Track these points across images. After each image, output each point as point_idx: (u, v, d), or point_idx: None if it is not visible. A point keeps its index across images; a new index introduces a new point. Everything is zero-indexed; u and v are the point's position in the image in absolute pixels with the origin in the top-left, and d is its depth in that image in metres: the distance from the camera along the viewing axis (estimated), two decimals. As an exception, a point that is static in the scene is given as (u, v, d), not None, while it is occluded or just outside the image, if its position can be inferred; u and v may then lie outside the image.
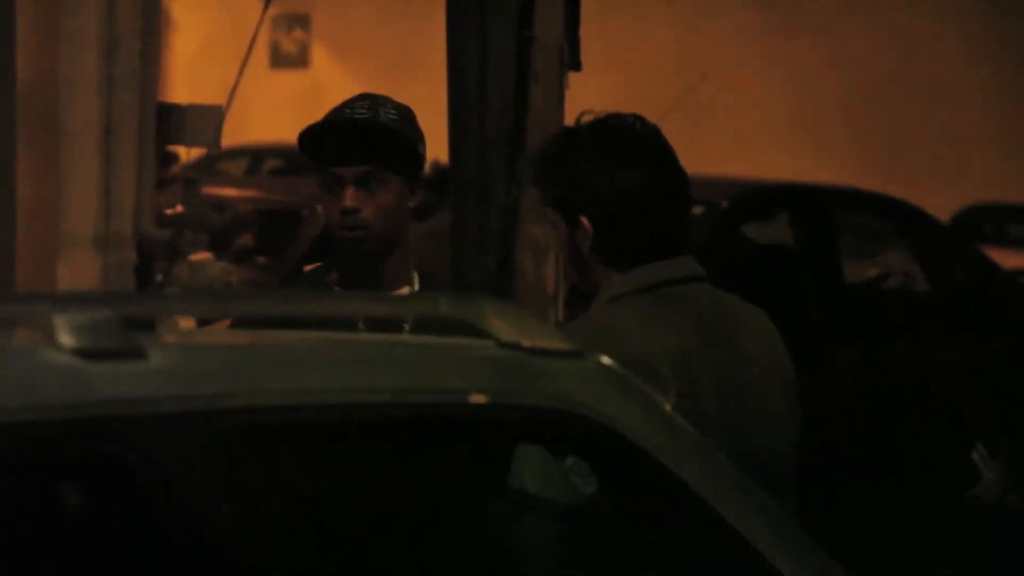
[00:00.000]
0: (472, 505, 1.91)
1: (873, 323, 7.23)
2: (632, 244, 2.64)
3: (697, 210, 6.56)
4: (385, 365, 1.89)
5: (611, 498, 1.98)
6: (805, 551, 2.01)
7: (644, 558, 1.98)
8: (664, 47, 16.70)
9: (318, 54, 19.86)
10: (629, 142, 2.69)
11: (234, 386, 1.75)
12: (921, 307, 7.57)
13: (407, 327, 2.71)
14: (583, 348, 2.29)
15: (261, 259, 8.10)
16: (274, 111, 17.21)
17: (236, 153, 14.86)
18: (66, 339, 1.67)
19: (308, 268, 3.19)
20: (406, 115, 2.99)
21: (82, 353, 1.66)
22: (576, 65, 4.54)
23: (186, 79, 19.12)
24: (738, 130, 15.91)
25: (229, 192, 10.15)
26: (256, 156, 15.56)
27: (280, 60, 19.69)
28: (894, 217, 8.01)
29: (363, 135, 2.91)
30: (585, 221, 2.64)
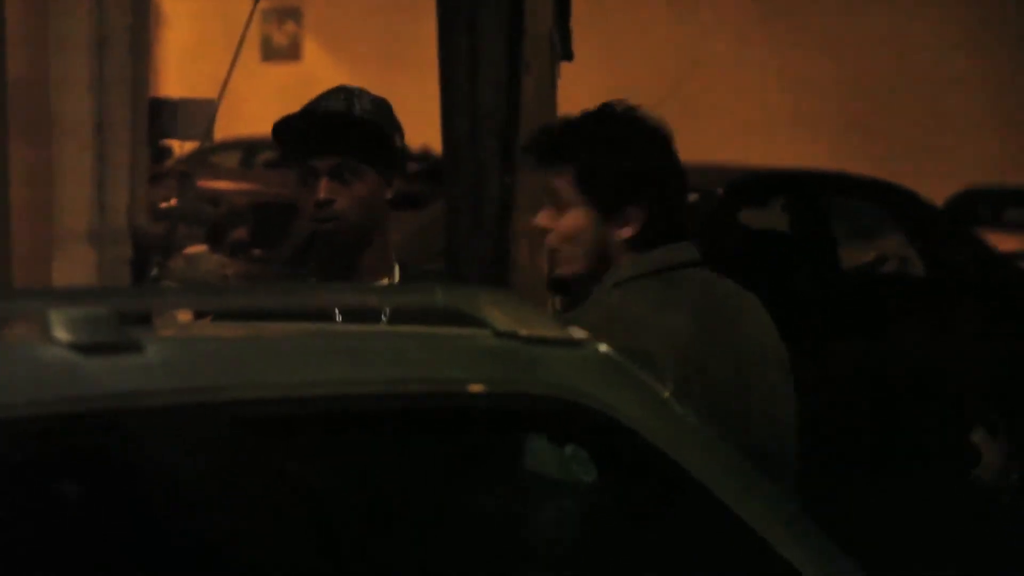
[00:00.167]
0: (470, 496, 1.91)
1: (870, 308, 7.24)
2: (658, 228, 2.69)
3: (692, 197, 6.56)
4: (382, 356, 1.89)
5: (611, 486, 1.98)
6: (808, 537, 2.01)
7: (645, 546, 1.98)
8: (657, 36, 16.69)
9: (309, 47, 19.85)
10: (651, 128, 2.73)
11: (231, 379, 1.75)
12: (918, 291, 7.58)
13: (384, 318, 2.71)
14: (597, 333, 2.32)
15: (256, 252, 8.10)
16: (266, 104, 17.17)
17: (229, 146, 14.85)
18: (62, 333, 1.67)
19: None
20: (382, 107, 2.98)
21: (78, 347, 1.66)
22: (568, 55, 4.54)
23: (178, 73, 19.10)
24: (732, 118, 15.91)
25: (223, 185, 10.15)
26: (249, 149, 15.55)
27: (272, 53, 19.68)
28: (889, 202, 8.02)
29: (336, 127, 2.91)
30: (634, 208, 2.66)
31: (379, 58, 18.43)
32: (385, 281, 2.95)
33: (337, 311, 2.70)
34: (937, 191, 9.60)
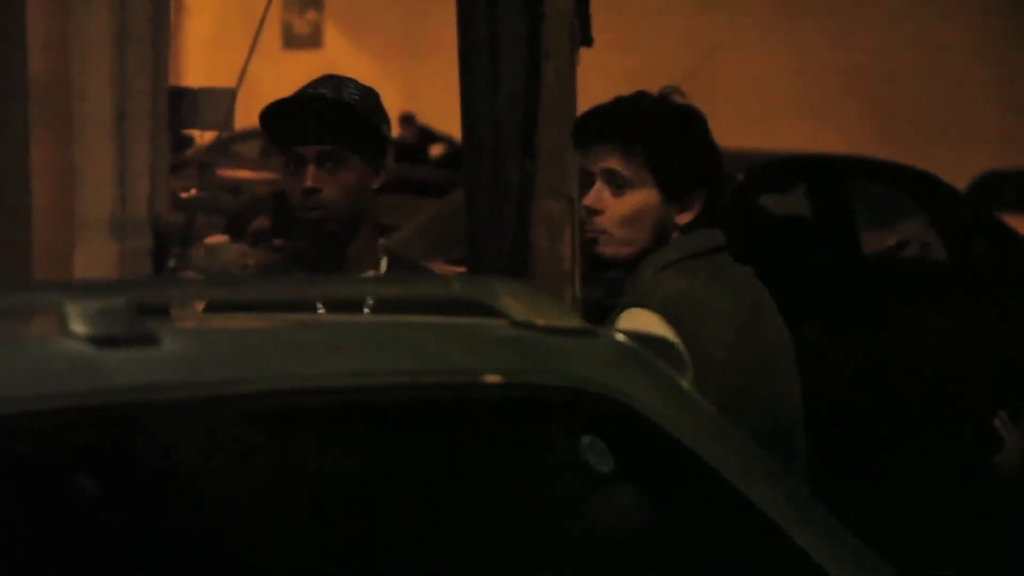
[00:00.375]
0: (487, 486, 1.91)
1: (891, 293, 7.21)
2: (708, 213, 2.75)
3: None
4: (399, 347, 1.89)
5: (629, 476, 1.98)
6: (825, 526, 2.00)
7: (663, 536, 1.97)
8: (676, 21, 16.65)
9: (331, 34, 19.85)
10: (700, 115, 2.79)
11: (247, 371, 1.75)
12: (939, 276, 7.55)
13: (367, 308, 2.70)
14: (669, 316, 2.33)
15: (277, 241, 8.11)
16: (288, 92, 17.18)
17: (250, 135, 14.87)
18: (79, 327, 1.67)
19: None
20: (369, 96, 2.96)
21: (95, 340, 1.66)
22: (587, 41, 4.52)
23: (199, 61, 19.12)
24: (752, 103, 15.87)
25: (244, 174, 10.15)
26: (270, 138, 15.56)
27: (293, 41, 19.69)
28: (911, 186, 7.98)
29: (323, 114, 2.88)
30: (697, 192, 2.71)
31: (400, 45, 18.43)
32: (371, 272, 2.93)
33: (319, 304, 2.69)
34: (959, 175, 9.56)
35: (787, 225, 7.25)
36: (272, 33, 18.69)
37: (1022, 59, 15.81)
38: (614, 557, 1.95)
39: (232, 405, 1.73)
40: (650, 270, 2.69)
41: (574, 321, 1.98)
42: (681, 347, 2.51)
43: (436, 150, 16.43)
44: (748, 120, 14.99)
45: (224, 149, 12.66)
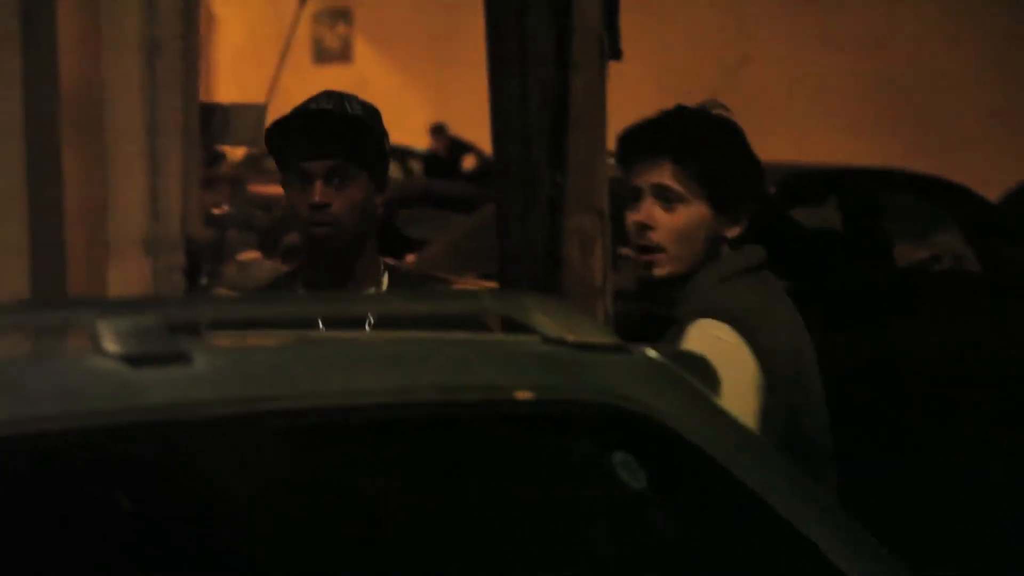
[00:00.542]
0: (520, 502, 1.91)
1: (925, 306, 7.18)
2: (752, 227, 2.78)
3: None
4: (431, 364, 1.89)
5: (660, 492, 1.97)
6: (860, 543, 1.99)
7: (695, 552, 1.97)
8: (705, 34, 16.63)
9: (361, 48, 19.90)
10: (741, 129, 2.81)
11: (279, 388, 1.75)
12: (973, 288, 7.51)
13: (369, 325, 2.68)
14: (743, 328, 2.36)
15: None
16: (319, 107, 17.19)
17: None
18: (111, 345, 1.67)
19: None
20: (372, 112, 2.95)
21: (127, 359, 1.67)
22: (617, 54, 4.52)
23: (230, 75, 19.20)
24: (783, 113, 15.83)
25: (276, 190, 10.16)
26: (302, 153, 15.55)
27: (323, 55, 19.75)
28: (944, 199, 7.95)
29: (331, 129, 2.87)
30: (746, 206, 2.74)
31: (429, 58, 18.46)
32: (372, 288, 2.91)
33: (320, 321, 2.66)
34: (992, 187, 9.52)
35: (819, 238, 7.22)
36: (302, 48, 18.76)
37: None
38: (646, 573, 1.94)
39: (264, 423, 1.73)
40: (707, 283, 2.71)
41: (605, 337, 1.97)
42: (744, 355, 2.56)
43: (469, 162, 16.36)
44: (779, 132, 14.96)
45: (255, 165, 12.69)
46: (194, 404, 1.69)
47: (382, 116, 2.97)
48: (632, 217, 2.74)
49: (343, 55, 19.93)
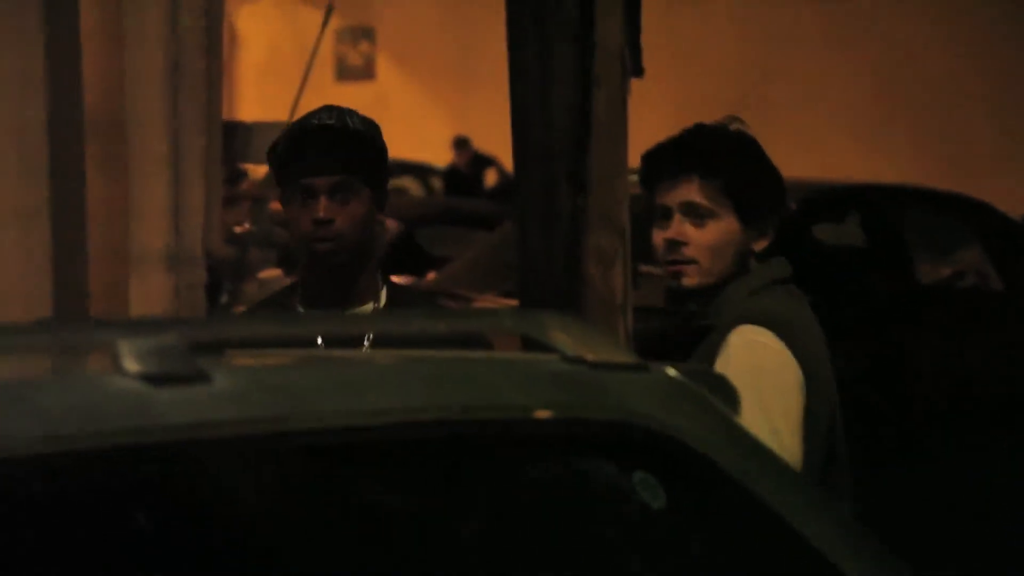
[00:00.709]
0: (539, 521, 1.90)
1: (948, 323, 7.15)
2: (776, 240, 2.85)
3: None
4: (450, 382, 1.89)
5: (680, 511, 1.97)
6: (880, 558, 1.99)
7: (714, 570, 1.96)
8: (726, 51, 16.63)
9: (383, 66, 19.95)
10: (760, 146, 2.89)
11: (299, 408, 1.76)
12: (996, 305, 7.48)
13: (367, 344, 2.65)
14: (778, 331, 2.39)
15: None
16: (341, 124, 17.23)
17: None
18: (132, 364, 1.68)
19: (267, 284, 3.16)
20: (372, 127, 2.94)
21: (148, 378, 1.67)
22: (638, 71, 4.52)
23: (253, 93, 19.27)
24: (803, 131, 15.81)
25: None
26: (323, 171, 15.54)
27: (346, 73, 19.80)
28: (966, 215, 7.92)
29: (336, 144, 2.86)
30: (772, 220, 2.80)
31: (452, 75, 18.49)
32: (370, 305, 2.90)
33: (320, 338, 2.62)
34: (1015, 204, 9.48)
35: (841, 255, 7.21)
36: (325, 66, 18.81)
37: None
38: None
39: (284, 442, 1.73)
40: (738, 295, 2.76)
41: (625, 356, 1.97)
42: (788, 358, 2.59)
43: (491, 178, 16.31)
44: (800, 149, 14.94)
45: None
46: (214, 424, 1.69)
47: (381, 131, 2.97)
48: (662, 235, 2.78)
49: (366, 73, 19.98)
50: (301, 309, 2.91)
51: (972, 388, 7.05)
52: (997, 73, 15.81)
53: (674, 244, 2.77)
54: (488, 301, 6.52)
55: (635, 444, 1.91)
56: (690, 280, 2.77)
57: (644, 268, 5.68)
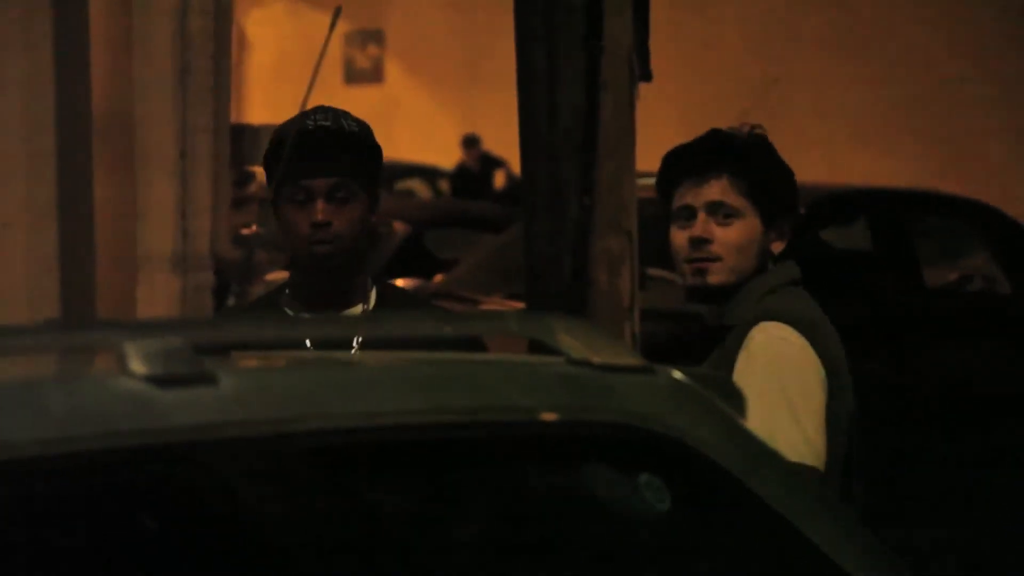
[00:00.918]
0: (544, 523, 1.91)
1: (955, 327, 7.14)
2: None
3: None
4: (455, 385, 1.89)
5: (685, 513, 1.96)
6: (882, 561, 1.99)
7: (719, 572, 1.96)
8: (735, 55, 16.62)
9: (392, 69, 19.96)
10: None
11: (305, 410, 1.76)
12: (1004, 310, 7.47)
13: (355, 346, 2.61)
14: (800, 328, 2.39)
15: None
16: (349, 127, 17.23)
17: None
18: (137, 366, 1.68)
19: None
20: (366, 129, 2.93)
21: (154, 380, 1.68)
22: (646, 75, 4.52)
23: (261, 96, 19.28)
24: (812, 136, 15.81)
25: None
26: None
27: (355, 76, 19.81)
28: (973, 219, 7.91)
29: (335, 147, 2.85)
30: (789, 220, 2.84)
31: (460, 78, 18.50)
32: (360, 306, 2.90)
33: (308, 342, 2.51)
34: (1022, 208, 9.48)
35: (849, 259, 7.20)
36: (333, 68, 18.83)
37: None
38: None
39: (290, 444, 1.73)
40: (757, 293, 2.79)
41: (631, 358, 1.97)
42: (811, 355, 2.61)
43: (500, 179, 16.26)
44: (808, 153, 14.93)
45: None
46: (220, 425, 1.69)
47: (374, 132, 2.97)
48: (686, 234, 2.80)
49: (374, 76, 19.99)
50: (288, 311, 2.90)
51: (979, 391, 7.04)
52: (1006, 77, 15.79)
53: (700, 242, 2.80)
54: (495, 303, 6.53)
55: (640, 446, 1.91)
56: (716, 278, 2.80)
57: (652, 271, 5.68)
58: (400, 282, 7.45)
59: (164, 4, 4.19)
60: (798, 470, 2.58)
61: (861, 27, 16.36)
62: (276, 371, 1.89)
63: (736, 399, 2.03)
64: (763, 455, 1.99)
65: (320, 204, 2.83)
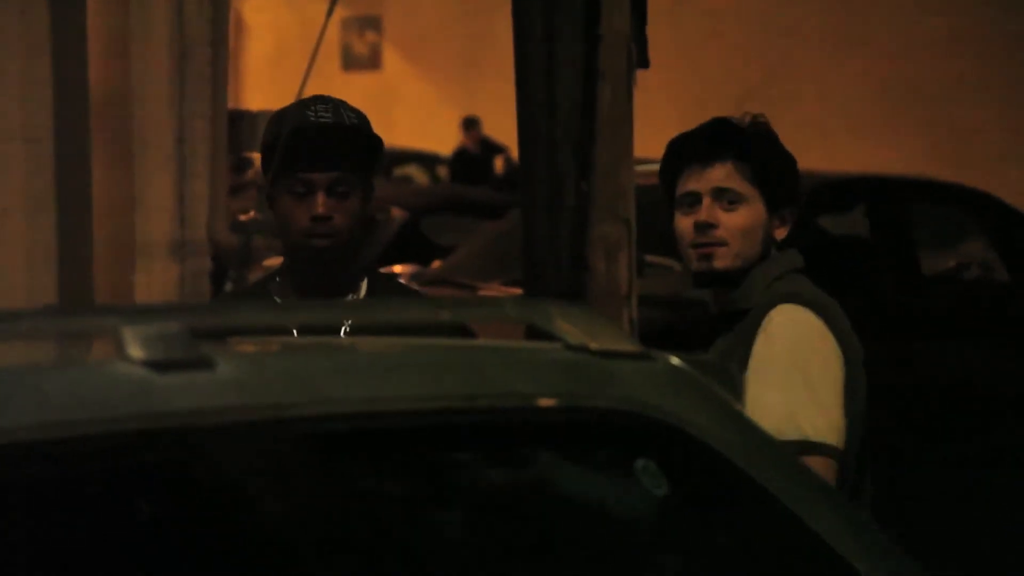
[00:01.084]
0: (542, 509, 1.91)
1: (952, 315, 7.15)
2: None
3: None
4: (454, 370, 1.90)
5: (683, 499, 1.97)
6: (882, 550, 1.99)
7: (717, 558, 1.97)
8: (733, 44, 16.61)
9: (389, 56, 19.94)
10: None
11: (303, 395, 1.76)
12: (1001, 297, 7.48)
13: (345, 330, 2.61)
14: (816, 310, 2.43)
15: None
16: (347, 114, 17.22)
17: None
18: (135, 351, 1.68)
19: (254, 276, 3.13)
20: (364, 120, 2.92)
21: (151, 364, 1.68)
22: (644, 63, 4.52)
23: (259, 82, 19.27)
24: (811, 124, 15.80)
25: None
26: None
27: (352, 62, 19.80)
28: (971, 207, 7.92)
29: (336, 140, 2.83)
30: (792, 207, 2.85)
31: (458, 66, 18.49)
32: (351, 295, 2.90)
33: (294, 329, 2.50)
34: (1020, 197, 9.49)
35: (846, 246, 7.20)
36: (331, 55, 18.80)
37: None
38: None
39: (288, 429, 1.74)
40: (764, 280, 2.81)
41: (628, 344, 1.98)
42: (829, 335, 2.63)
43: (500, 164, 16.23)
44: (807, 141, 14.91)
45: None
46: (218, 410, 1.70)
47: (370, 119, 2.96)
48: (691, 219, 2.81)
49: (372, 62, 19.97)
50: (277, 298, 2.89)
51: (976, 379, 7.05)
52: (1003, 66, 15.79)
53: (705, 227, 2.81)
54: (493, 290, 6.53)
55: (638, 432, 1.92)
56: (721, 262, 2.81)
57: (650, 258, 5.68)
58: (398, 268, 7.45)
59: (162, -9, 4.19)
60: (802, 451, 2.60)
61: (859, 17, 16.35)
62: (274, 356, 1.90)
63: (734, 385, 2.03)
64: (761, 441, 1.99)
65: (321, 198, 2.83)
